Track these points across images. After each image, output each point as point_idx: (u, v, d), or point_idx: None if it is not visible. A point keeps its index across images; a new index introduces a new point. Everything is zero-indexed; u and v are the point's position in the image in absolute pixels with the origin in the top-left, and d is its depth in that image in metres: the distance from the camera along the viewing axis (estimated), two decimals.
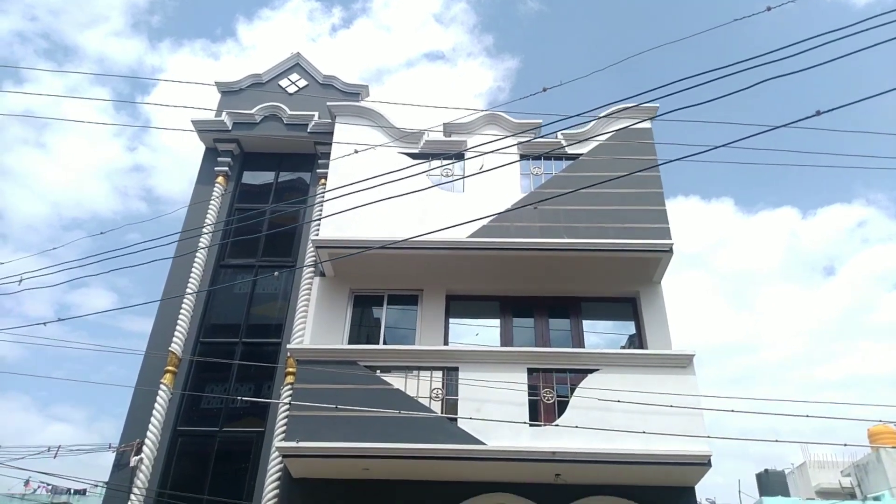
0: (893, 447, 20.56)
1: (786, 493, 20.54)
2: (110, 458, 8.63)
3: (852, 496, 20.52)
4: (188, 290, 9.56)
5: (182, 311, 9.59)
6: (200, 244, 10.02)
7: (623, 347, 9.91)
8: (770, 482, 21.09)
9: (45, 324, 6.44)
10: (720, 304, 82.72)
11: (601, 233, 9.38)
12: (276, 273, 9.25)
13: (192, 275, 9.88)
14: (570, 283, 9.95)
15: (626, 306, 10.16)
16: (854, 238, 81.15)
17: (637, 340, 9.77)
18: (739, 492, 19.97)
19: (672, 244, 9.33)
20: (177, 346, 9.34)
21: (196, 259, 9.98)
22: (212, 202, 10.58)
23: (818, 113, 4.78)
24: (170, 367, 9.16)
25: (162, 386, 8.99)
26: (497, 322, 10.11)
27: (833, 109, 4.79)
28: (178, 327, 9.45)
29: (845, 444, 7.39)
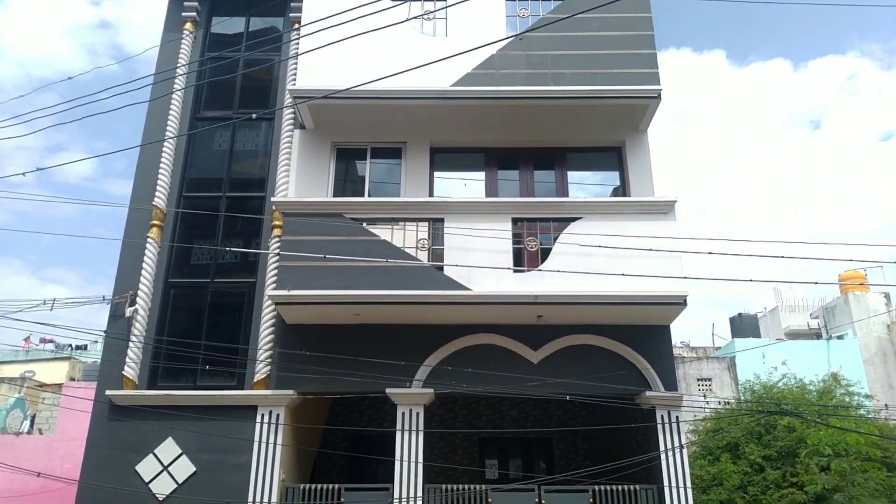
0: (861, 291, 21.57)
1: (757, 335, 21.79)
2: (107, 319, 8.87)
3: (818, 336, 21.83)
4: (167, 136, 9.38)
5: (162, 165, 9.46)
6: (176, 86, 9.71)
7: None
8: (743, 325, 22.29)
9: (24, 174, 6.36)
10: (706, 160, 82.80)
11: (589, 79, 9.10)
12: (253, 115, 8.97)
13: (168, 125, 9.63)
14: (556, 134, 9.81)
15: (611, 156, 10.11)
16: (843, 91, 79.88)
17: (621, 191, 9.82)
18: (713, 334, 21.18)
19: (660, 90, 9.10)
20: (160, 200, 9.31)
21: (171, 109, 9.69)
22: (182, 47, 10.08)
23: None
24: (155, 222, 9.19)
25: (149, 240, 9.07)
26: (482, 174, 10.06)
27: None
28: (159, 182, 9.37)
29: (816, 283, 7.67)
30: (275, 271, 8.75)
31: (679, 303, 8.19)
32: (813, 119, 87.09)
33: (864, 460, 10.13)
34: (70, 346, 23.69)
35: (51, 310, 8.81)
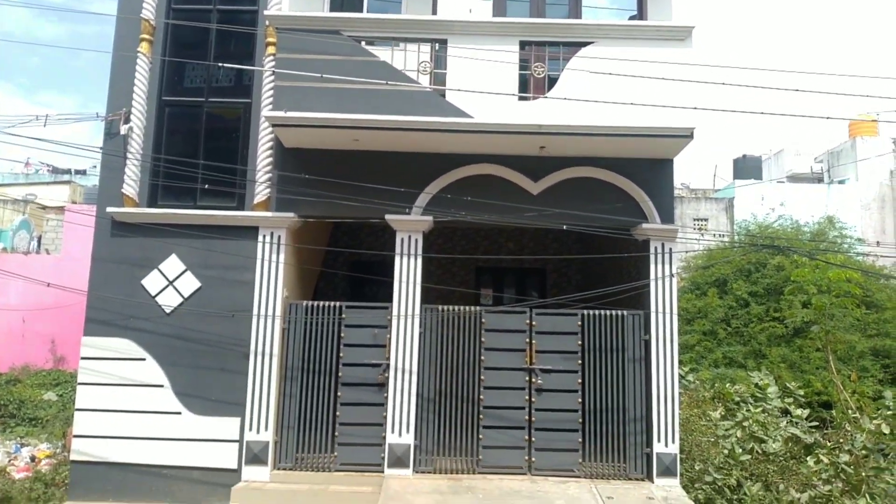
0: (870, 136, 21.19)
1: (759, 178, 21.70)
2: (102, 137, 8.70)
3: (819, 181, 21.80)
4: None
5: None
6: None
7: None
8: (746, 167, 22.12)
9: None
10: None
11: None
12: None
13: None
14: None
15: None
16: None
17: (638, 19, 9.26)
18: (714, 175, 21.06)
19: None
20: (148, 12, 8.78)
21: None
22: None
23: None
24: (144, 36, 8.73)
25: (139, 55, 8.67)
26: None
27: None
28: None
29: (827, 118, 7.41)
30: (270, 91, 8.49)
31: (686, 135, 8.00)
32: None
33: (844, 296, 10.49)
34: (70, 170, 23.70)
35: (44, 125, 8.64)
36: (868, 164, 20.35)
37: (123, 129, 8.50)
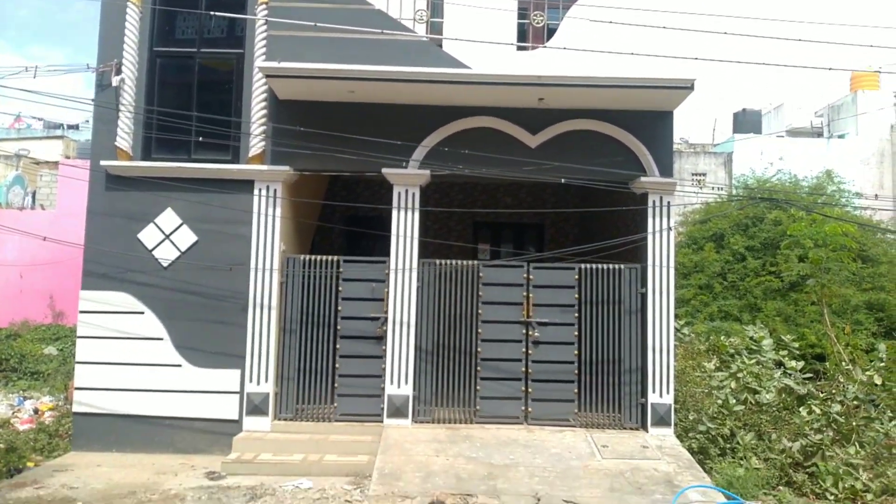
0: (871, 90, 20.96)
1: (759, 132, 21.52)
2: (94, 89, 8.53)
3: (819, 135, 21.65)
4: None
5: None
6: None
7: None
8: (746, 121, 21.90)
9: None
10: None
11: None
12: None
13: None
14: None
15: None
16: None
17: None
18: (714, 129, 20.86)
19: None
20: None
21: None
22: None
23: None
24: None
25: (130, 4, 8.45)
26: None
27: None
28: None
29: (830, 69, 7.29)
30: (264, 42, 8.34)
31: (686, 87, 7.88)
32: None
33: (840, 250, 10.51)
34: (62, 125, 23.38)
35: (34, 77, 8.47)
36: (868, 119, 20.18)
37: (115, 81, 8.35)
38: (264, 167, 8.45)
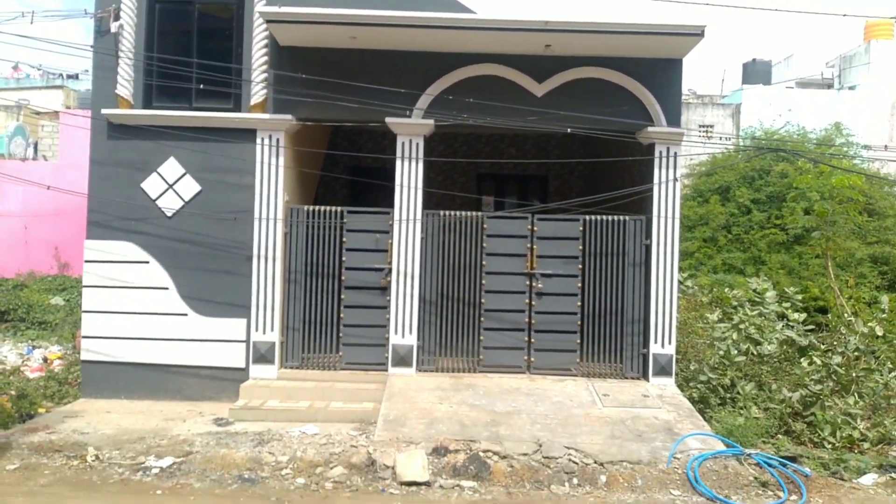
0: (885, 39, 20.48)
1: (768, 83, 21.14)
2: (92, 36, 8.37)
3: (829, 87, 21.25)
4: None
5: None
6: None
7: None
8: (756, 72, 21.49)
9: None
10: None
11: None
12: None
13: None
14: None
15: None
16: None
17: None
18: (722, 80, 20.51)
19: None
20: None
21: None
22: None
23: None
24: None
25: None
26: None
27: None
28: None
29: (844, 15, 7.09)
30: None
31: (696, 34, 7.69)
32: None
33: (847, 202, 10.42)
34: (61, 74, 23.06)
35: (31, 23, 8.32)
36: (880, 70, 19.75)
37: (114, 27, 8.18)
38: (266, 116, 8.34)
